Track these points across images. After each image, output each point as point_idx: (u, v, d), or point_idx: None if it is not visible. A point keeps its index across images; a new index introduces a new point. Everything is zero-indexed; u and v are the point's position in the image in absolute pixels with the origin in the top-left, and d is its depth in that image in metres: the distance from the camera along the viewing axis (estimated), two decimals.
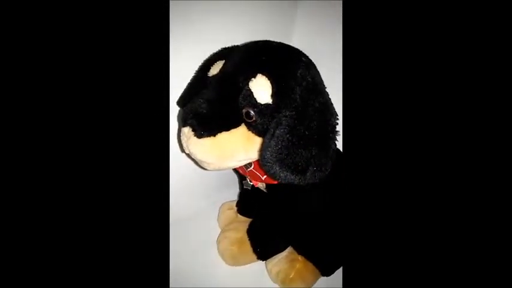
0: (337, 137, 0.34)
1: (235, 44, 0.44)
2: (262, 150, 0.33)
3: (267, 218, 0.48)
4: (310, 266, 0.46)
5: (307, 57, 0.37)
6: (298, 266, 0.46)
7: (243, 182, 0.47)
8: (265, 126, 0.34)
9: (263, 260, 0.49)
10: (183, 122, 0.35)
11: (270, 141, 0.32)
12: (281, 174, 0.32)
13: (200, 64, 0.44)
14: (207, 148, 0.34)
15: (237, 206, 0.56)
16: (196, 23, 0.45)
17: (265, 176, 0.41)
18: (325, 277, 0.46)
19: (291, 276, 0.45)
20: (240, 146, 0.35)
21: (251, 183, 0.45)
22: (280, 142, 0.32)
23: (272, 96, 0.33)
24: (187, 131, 0.34)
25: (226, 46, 0.43)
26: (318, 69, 0.38)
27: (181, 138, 0.35)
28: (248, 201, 0.55)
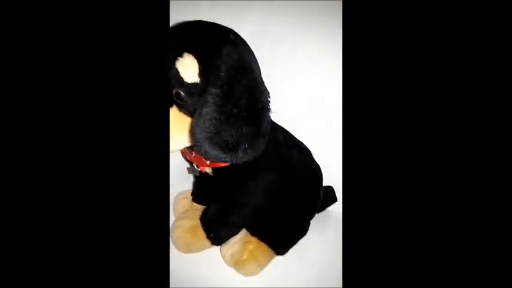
0: (269, 114, 0.35)
1: None
2: (192, 129, 0.33)
3: (218, 203, 0.48)
4: (263, 246, 0.47)
5: (237, 35, 0.37)
6: (250, 247, 0.46)
7: (189, 168, 0.47)
8: (194, 106, 0.34)
9: (217, 245, 0.49)
10: None
11: (198, 120, 0.32)
12: (211, 153, 0.32)
13: None
14: None
15: (192, 194, 0.56)
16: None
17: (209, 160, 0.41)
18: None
19: (244, 257, 0.45)
20: (173, 128, 0.35)
21: (198, 169, 0.45)
22: (207, 120, 0.32)
23: (199, 74, 0.33)
24: None
25: None
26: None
27: None
28: (202, 189, 0.54)
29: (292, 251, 0.49)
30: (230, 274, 0.46)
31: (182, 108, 0.35)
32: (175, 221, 0.52)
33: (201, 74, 0.33)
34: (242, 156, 0.33)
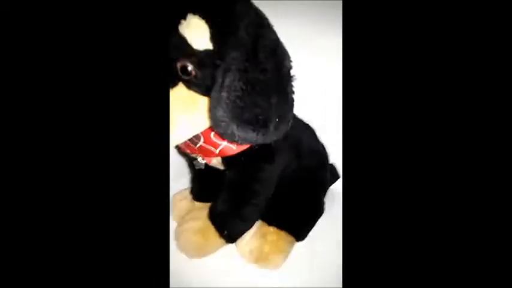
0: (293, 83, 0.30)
1: None
2: (212, 108, 0.27)
3: (228, 196, 0.43)
4: (283, 234, 0.43)
5: None
6: (270, 238, 0.42)
7: (194, 162, 0.41)
8: (209, 80, 0.28)
9: (232, 243, 0.44)
10: None
11: (220, 94, 0.26)
12: (240, 134, 0.27)
13: None
14: None
15: (191, 193, 0.50)
16: None
17: (219, 149, 0.36)
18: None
19: (266, 250, 0.41)
20: (181, 111, 0.28)
21: (203, 162, 0.40)
22: (232, 93, 0.26)
23: (211, 39, 0.27)
24: None
25: None
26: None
27: None
28: (203, 184, 0.49)
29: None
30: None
31: (192, 85, 0.28)
32: (178, 225, 0.46)
33: (215, 37, 0.27)
34: (273, 133, 0.28)
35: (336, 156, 0.53)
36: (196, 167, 0.41)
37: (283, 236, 0.43)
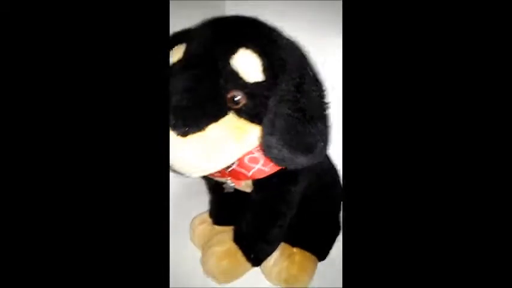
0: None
1: None
2: (265, 135, 0.29)
3: (254, 218, 0.43)
4: (307, 255, 0.44)
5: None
6: (297, 258, 0.43)
7: (224, 185, 0.42)
8: (258, 109, 0.30)
9: (258, 266, 0.44)
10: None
11: (273, 123, 0.28)
12: (292, 159, 0.29)
13: None
14: (196, 146, 0.27)
15: (211, 216, 0.50)
16: None
17: (251, 172, 0.37)
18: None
19: (294, 272, 0.42)
20: (232, 139, 0.30)
21: (233, 185, 0.41)
22: (284, 121, 0.28)
23: (264, 71, 0.29)
24: (172, 138, 0.27)
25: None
26: None
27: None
28: (225, 208, 0.49)
29: None
30: None
31: (241, 113, 0.30)
32: (204, 250, 0.46)
33: (266, 70, 0.29)
34: (318, 155, 0.30)
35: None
36: (226, 191, 0.42)
37: (308, 256, 0.44)
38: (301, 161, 0.30)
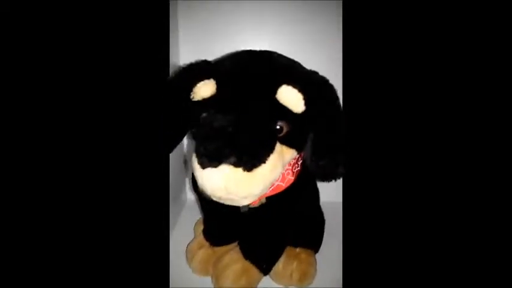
0: None
1: None
2: (315, 158, 0.34)
3: (266, 233, 0.45)
4: (309, 251, 0.49)
5: None
6: (303, 257, 0.48)
7: (241, 206, 0.42)
8: (297, 136, 0.34)
9: (268, 273, 0.47)
10: (212, 163, 0.29)
11: (320, 147, 0.34)
12: (336, 173, 0.35)
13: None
14: (261, 178, 0.30)
15: (207, 239, 0.50)
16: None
17: (272, 188, 0.39)
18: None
19: (305, 270, 0.46)
20: (280, 165, 0.33)
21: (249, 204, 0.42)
22: (327, 144, 0.34)
23: (305, 104, 0.33)
24: (228, 171, 0.29)
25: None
26: None
27: (215, 184, 0.30)
28: (223, 227, 0.49)
29: None
30: None
31: (284, 141, 0.34)
32: (214, 276, 0.46)
33: (307, 101, 0.33)
34: (343, 170, 0.35)
35: None
36: (242, 210, 0.43)
37: (309, 252, 0.49)
38: (342, 172, 0.35)
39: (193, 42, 0.60)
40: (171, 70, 0.55)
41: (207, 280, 0.45)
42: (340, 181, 0.35)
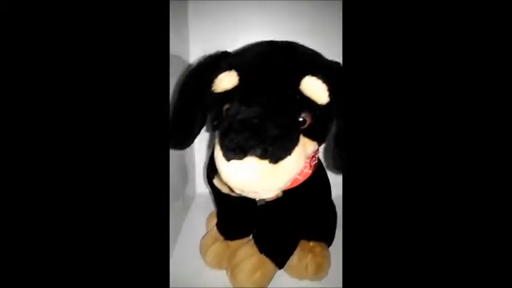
0: None
1: None
2: (339, 151, 0.35)
3: (281, 226, 0.45)
4: (322, 244, 0.50)
5: None
6: (317, 249, 0.48)
7: (258, 200, 0.42)
8: (320, 128, 0.34)
9: (282, 267, 0.47)
10: (238, 155, 0.28)
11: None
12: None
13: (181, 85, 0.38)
14: (287, 170, 0.30)
15: (222, 234, 0.50)
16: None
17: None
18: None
19: (319, 262, 0.47)
20: (303, 157, 0.33)
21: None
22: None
23: (329, 95, 0.33)
24: (255, 163, 0.28)
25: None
26: None
27: (240, 176, 0.29)
28: (237, 221, 0.50)
29: None
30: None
31: (307, 133, 0.33)
32: (229, 269, 0.46)
33: (331, 93, 0.33)
34: None
35: None
36: (259, 204, 0.43)
37: (323, 246, 0.49)
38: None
39: (203, 41, 0.60)
40: (182, 69, 0.56)
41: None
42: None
